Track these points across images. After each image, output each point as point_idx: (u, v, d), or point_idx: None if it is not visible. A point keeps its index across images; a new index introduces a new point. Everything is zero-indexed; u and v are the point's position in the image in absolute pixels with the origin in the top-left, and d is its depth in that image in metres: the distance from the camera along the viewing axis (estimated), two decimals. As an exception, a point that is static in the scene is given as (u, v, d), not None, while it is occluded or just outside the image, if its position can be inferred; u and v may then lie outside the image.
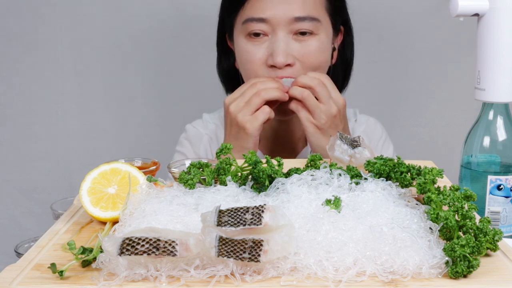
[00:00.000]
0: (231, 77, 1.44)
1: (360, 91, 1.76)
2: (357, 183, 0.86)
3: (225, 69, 1.44)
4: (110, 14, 1.77)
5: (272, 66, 1.28)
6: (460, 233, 0.75)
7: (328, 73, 1.36)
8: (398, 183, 0.89)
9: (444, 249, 0.70)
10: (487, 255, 0.75)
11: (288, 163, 1.03)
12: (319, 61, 1.31)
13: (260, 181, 0.89)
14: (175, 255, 0.67)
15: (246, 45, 1.30)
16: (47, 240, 0.81)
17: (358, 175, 0.90)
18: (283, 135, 1.43)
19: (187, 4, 1.75)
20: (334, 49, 1.38)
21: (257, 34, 1.29)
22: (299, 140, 1.44)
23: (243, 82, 1.37)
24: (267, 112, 1.23)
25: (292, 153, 1.43)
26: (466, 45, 1.73)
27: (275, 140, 1.43)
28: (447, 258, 0.69)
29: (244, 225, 0.69)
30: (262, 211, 0.69)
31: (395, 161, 0.92)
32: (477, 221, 0.75)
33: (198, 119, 1.52)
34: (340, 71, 1.43)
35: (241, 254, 0.67)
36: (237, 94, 1.26)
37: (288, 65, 1.27)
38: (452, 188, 0.81)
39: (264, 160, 0.92)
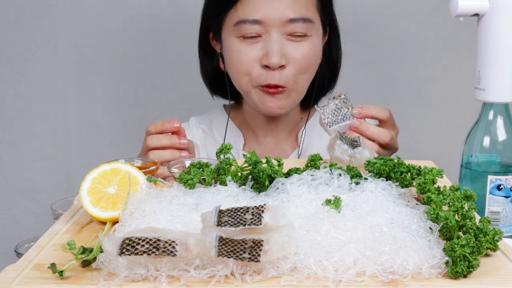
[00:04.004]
0: (215, 79, 1.42)
1: (360, 91, 1.76)
2: (357, 183, 0.86)
3: (209, 71, 1.42)
4: (111, 15, 1.77)
5: (266, 67, 1.26)
6: (460, 233, 0.75)
7: (315, 74, 1.36)
8: (398, 183, 0.89)
9: (444, 249, 0.70)
10: (487, 255, 0.75)
11: (288, 163, 1.03)
12: (310, 63, 1.30)
13: (260, 181, 0.89)
14: (175, 255, 0.67)
15: (239, 45, 1.28)
16: (47, 240, 0.81)
17: (358, 175, 0.90)
18: (271, 136, 1.43)
19: (188, 4, 1.75)
20: None
21: (251, 36, 1.27)
22: (286, 141, 1.44)
23: (230, 84, 1.36)
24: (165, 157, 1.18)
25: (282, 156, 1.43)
26: (466, 45, 1.73)
27: (264, 140, 1.43)
28: (447, 258, 0.69)
29: (244, 225, 0.69)
30: (262, 211, 0.69)
31: (395, 161, 0.92)
32: (477, 221, 0.75)
33: (184, 123, 1.47)
34: (326, 72, 1.41)
35: (241, 254, 0.67)
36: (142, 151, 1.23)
37: (281, 66, 1.26)
38: (452, 188, 0.81)
39: (264, 160, 0.92)
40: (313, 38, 1.30)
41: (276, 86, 1.27)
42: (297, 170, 0.92)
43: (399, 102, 1.83)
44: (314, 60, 1.32)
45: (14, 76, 1.79)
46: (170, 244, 0.67)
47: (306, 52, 1.28)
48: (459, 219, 0.75)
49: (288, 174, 0.91)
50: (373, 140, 1.15)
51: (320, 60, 1.37)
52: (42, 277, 0.70)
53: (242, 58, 1.28)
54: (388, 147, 1.18)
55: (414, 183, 0.87)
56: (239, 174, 0.92)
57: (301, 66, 1.28)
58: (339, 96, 1.14)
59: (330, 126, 1.13)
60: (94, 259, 0.72)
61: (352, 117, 1.13)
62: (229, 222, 0.69)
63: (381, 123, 1.19)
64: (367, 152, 1.00)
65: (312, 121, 1.43)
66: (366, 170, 0.93)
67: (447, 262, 0.69)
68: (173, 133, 1.20)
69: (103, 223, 0.86)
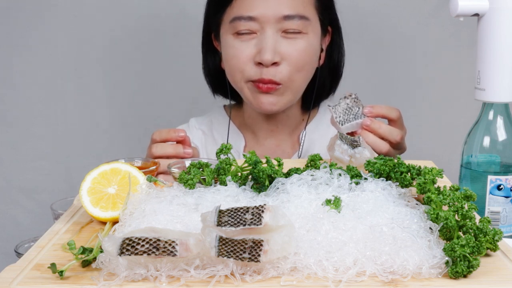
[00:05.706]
0: (217, 77, 1.41)
1: (360, 91, 1.76)
2: (357, 183, 0.86)
3: (211, 69, 1.42)
4: (110, 14, 1.77)
5: (259, 64, 1.26)
6: (460, 233, 0.75)
7: (315, 75, 1.35)
8: (398, 183, 0.89)
9: (444, 249, 0.70)
10: (487, 255, 0.75)
11: (288, 163, 1.03)
12: (305, 61, 1.28)
13: (260, 181, 0.89)
14: (175, 255, 0.67)
15: (234, 41, 1.28)
16: (47, 240, 0.81)
17: (358, 175, 0.90)
18: (272, 136, 1.42)
19: (188, 4, 1.75)
20: (321, 50, 1.36)
21: (245, 32, 1.26)
22: (287, 143, 1.43)
23: (228, 82, 1.36)
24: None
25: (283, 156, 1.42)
26: (466, 45, 1.73)
27: (265, 142, 1.42)
28: (447, 258, 0.69)
29: (244, 225, 0.69)
30: (262, 211, 0.69)
31: (395, 161, 0.92)
32: (477, 221, 0.75)
33: (183, 124, 1.48)
34: (328, 74, 1.40)
35: (241, 254, 0.67)
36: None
37: (275, 63, 1.25)
38: (452, 188, 0.81)
39: (264, 160, 0.92)
40: (309, 36, 1.28)
41: (270, 82, 1.26)
42: (297, 170, 0.92)
43: (399, 102, 1.82)
44: (310, 58, 1.30)
45: (14, 76, 1.79)
46: (170, 244, 0.67)
47: (301, 50, 1.27)
48: (459, 219, 0.75)
49: (288, 174, 0.91)
50: (384, 139, 1.14)
51: (321, 61, 1.35)
52: (42, 277, 0.70)
53: (236, 55, 1.28)
54: (398, 146, 1.17)
55: (414, 183, 0.87)
56: (239, 174, 0.92)
57: (296, 63, 1.27)
58: (350, 95, 1.15)
59: (342, 125, 1.13)
60: (94, 259, 0.72)
61: (363, 116, 1.13)
62: (229, 222, 0.69)
63: (391, 122, 1.18)
64: (367, 152, 1.00)
65: (313, 123, 1.43)
66: (366, 170, 0.93)
67: (447, 262, 0.69)
68: (178, 142, 1.20)
69: (103, 223, 0.86)
